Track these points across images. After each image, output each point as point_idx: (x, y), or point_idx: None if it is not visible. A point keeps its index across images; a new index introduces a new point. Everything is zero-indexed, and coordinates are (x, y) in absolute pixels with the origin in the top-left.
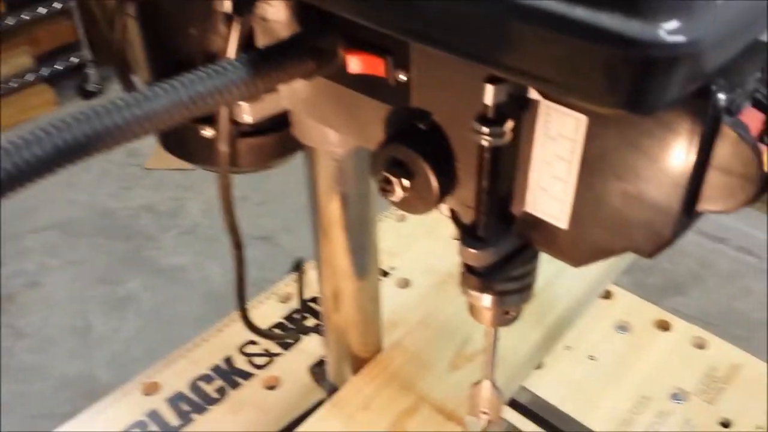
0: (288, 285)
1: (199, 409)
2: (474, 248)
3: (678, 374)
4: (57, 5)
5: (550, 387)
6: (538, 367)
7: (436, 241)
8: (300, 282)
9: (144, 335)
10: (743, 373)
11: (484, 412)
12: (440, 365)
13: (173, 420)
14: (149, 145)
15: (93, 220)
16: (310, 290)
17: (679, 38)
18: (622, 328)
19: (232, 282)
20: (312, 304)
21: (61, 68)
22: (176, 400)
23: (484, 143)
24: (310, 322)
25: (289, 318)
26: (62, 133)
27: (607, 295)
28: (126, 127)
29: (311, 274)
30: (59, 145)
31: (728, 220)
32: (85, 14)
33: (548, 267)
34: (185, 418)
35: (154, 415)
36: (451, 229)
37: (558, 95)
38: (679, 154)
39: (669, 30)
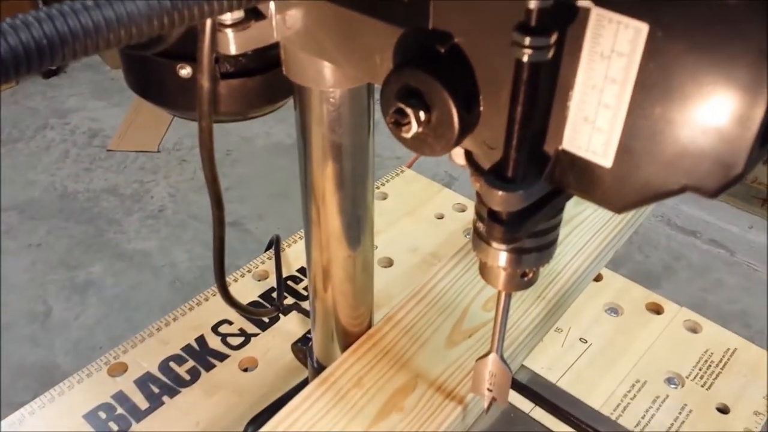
0: (264, 263)
1: (171, 392)
2: (502, 190)
3: (672, 358)
4: None
5: (542, 371)
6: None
7: (418, 220)
8: (278, 258)
9: (107, 322)
10: (739, 358)
11: (490, 390)
12: (437, 341)
13: (142, 403)
14: (112, 126)
15: (53, 202)
16: (288, 269)
17: None
18: (613, 310)
19: (199, 269)
20: (290, 283)
21: None
22: (145, 381)
23: (524, 57)
24: (289, 300)
25: (265, 296)
26: (19, 32)
27: (597, 277)
28: (89, 33)
29: (288, 252)
30: (14, 46)
31: (700, 213)
32: None
33: None
34: (155, 400)
35: (121, 397)
36: (433, 209)
37: None
38: (758, 67)
39: None
